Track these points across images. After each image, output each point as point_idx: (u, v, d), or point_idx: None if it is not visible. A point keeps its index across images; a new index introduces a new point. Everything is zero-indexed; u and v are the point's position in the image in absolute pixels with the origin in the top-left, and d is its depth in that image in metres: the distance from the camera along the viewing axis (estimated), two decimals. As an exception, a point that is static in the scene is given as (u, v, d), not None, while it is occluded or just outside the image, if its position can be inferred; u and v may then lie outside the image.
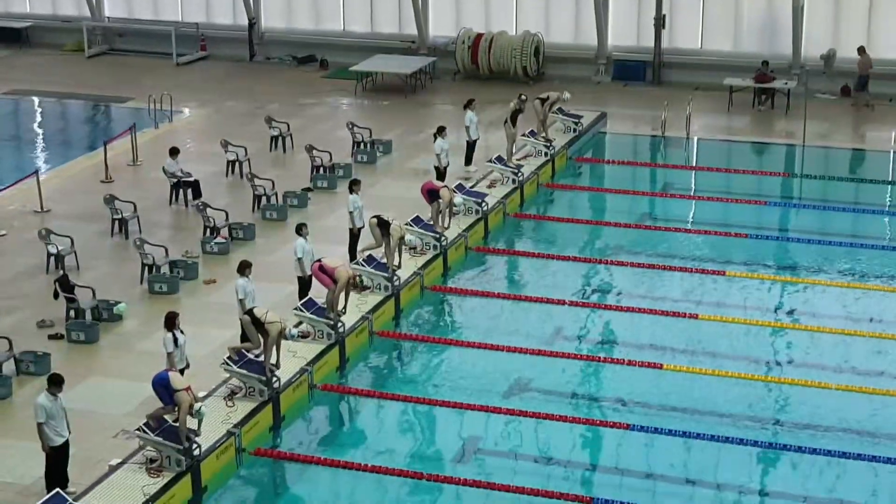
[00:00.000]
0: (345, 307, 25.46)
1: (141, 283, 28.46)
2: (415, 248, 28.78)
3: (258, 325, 22.88)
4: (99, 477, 20.51)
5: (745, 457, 22.09)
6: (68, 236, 29.68)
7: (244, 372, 22.86)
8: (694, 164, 38.51)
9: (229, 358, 23.09)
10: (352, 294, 25.98)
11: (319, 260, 25.56)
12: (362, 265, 27.38)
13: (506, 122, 35.05)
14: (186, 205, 33.17)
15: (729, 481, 21.49)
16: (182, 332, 22.78)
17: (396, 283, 27.36)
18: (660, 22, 44.61)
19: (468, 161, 35.71)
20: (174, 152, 33.64)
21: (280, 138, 38.24)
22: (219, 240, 30.37)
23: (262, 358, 22.99)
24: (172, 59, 48.61)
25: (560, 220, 33.20)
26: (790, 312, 27.97)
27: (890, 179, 37.21)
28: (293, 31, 49.60)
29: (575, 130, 38.51)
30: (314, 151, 35.62)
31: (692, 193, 35.97)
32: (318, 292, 25.86)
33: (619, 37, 46.21)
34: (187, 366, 22.93)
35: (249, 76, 47.31)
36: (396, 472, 21.43)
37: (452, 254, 29.81)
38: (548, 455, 22.38)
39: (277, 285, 27.53)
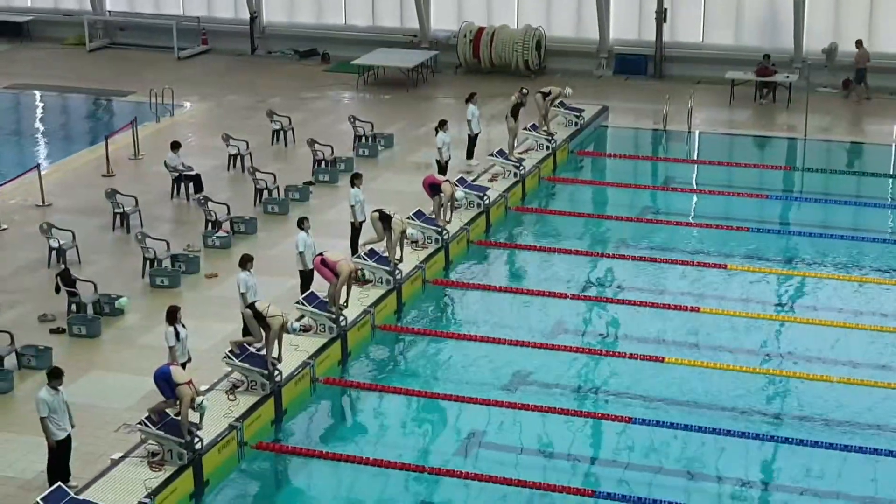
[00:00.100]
0: (346, 301, 25.47)
1: (142, 277, 28.47)
2: (416, 241, 28.78)
3: (260, 318, 22.89)
4: (101, 471, 20.52)
5: (746, 450, 22.11)
6: (70, 230, 29.69)
7: (246, 366, 22.87)
8: (695, 158, 38.54)
9: (231, 352, 23.10)
10: (353, 288, 25.99)
11: (321, 254, 25.57)
12: (364, 259, 27.39)
13: (507, 115, 35.04)
14: (188, 199, 33.17)
15: (730, 474, 21.50)
16: (184, 325, 22.78)
17: (398, 276, 27.36)
18: (661, 15, 44.59)
19: (470, 155, 35.71)
20: (175, 146, 33.63)
21: (282, 132, 38.24)
22: (220, 234, 30.38)
23: (263, 352, 23.00)
24: (174, 53, 48.60)
25: (562, 213, 33.19)
26: (791, 306, 28.00)
27: (891, 173, 37.24)
28: (295, 25, 49.59)
29: (576, 124, 38.50)
30: (316, 145, 35.62)
31: (693, 187, 35.95)
32: (319, 286, 25.86)
33: (620, 30, 46.18)
34: (189, 360, 22.94)
35: (251, 70, 47.30)
36: (398, 465, 21.44)
37: (454, 247, 29.81)
38: (549, 448, 22.39)
39: (279, 279, 27.55)
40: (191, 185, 33.33)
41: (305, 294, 25.75)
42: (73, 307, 26.48)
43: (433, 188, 29.68)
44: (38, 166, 34.19)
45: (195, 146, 37.58)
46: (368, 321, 26.09)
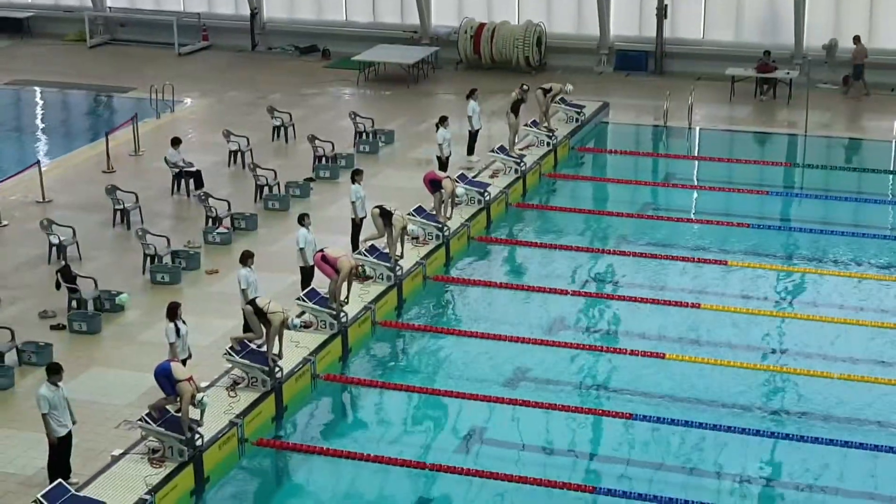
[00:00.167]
0: (347, 297, 25.46)
1: (143, 273, 28.48)
2: (417, 237, 28.77)
3: (260, 315, 22.88)
4: (101, 467, 20.52)
5: (747, 446, 22.11)
6: (70, 226, 29.69)
7: (246, 362, 22.87)
8: (696, 154, 38.53)
9: (231, 348, 23.10)
10: (354, 284, 25.98)
11: (322, 250, 25.56)
12: (364, 255, 27.38)
13: (507, 112, 35.03)
14: (188, 195, 33.17)
15: (731, 470, 21.50)
16: (184, 322, 22.78)
17: (399, 272, 27.36)
18: (662, 12, 44.58)
19: (470, 151, 35.71)
20: (176, 142, 33.62)
21: (282, 128, 38.24)
22: (221, 230, 30.38)
23: (264, 348, 23.00)
24: (174, 49, 48.60)
25: (562, 209, 33.19)
26: (792, 302, 27.97)
27: (891, 169, 37.21)
28: (295, 21, 49.58)
29: (577, 120, 38.49)
30: (316, 141, 35.61)
31: (694, 183, 35.96)
32: (320, 282, 25.87)
33: (621, 27, 46.18)
34: (189, 356, 22.95)
35: (251, 66, 47.29)
36: (399, 461, 21.44)
37: (455, 244, 29.81)
38: (550, 444, 22.39)
39: (280, 275, 27.56)
40: (191, 181, 33.32)
41: (306, 290, 25.75)
42: (74, 303, 26.49)
43: (434, 184, 29.67)
44: (38, 163, 34.19)
45: (196, 142, 37.58)
46: (369, 317, 26.09)
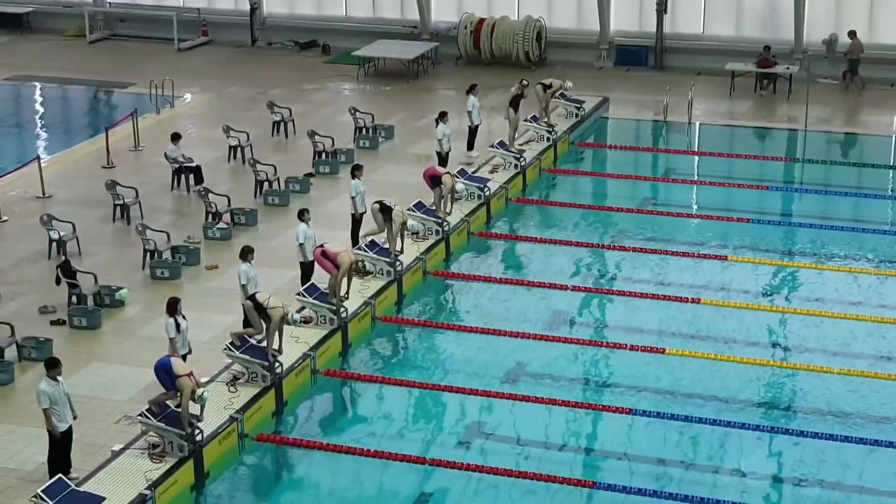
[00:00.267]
0: (347, 292, 25.45)
1: (143, 268, 28.47)
2: (417, 233, 28.78)
3: (260, 310, 22.88)
4: (101, 462, 20.54)
5: (747, 441, 22.12)
6: (70, 222, 29.69)
7: (246, 357, 22.87)
8: (696, 149, 38.53)
9: (231, 343, 23.09)
10: (354, 279, 25.96)
11: (322, 245, 25.55)
12: (364, 250, 27.38)
13: (507, 107, 35.01)
14: (188, 190, 33.16)
15: (731, 465, 21.53)
16: (184, 317, 22.79)
17: (399, 268, 27.36)
18: (662, 7, 44.54)
19: (470, 146, 35.71)
20: (176, 138, 33.61)
21: (282, 124, 38.22)
22: (221, 225, 30.37)
23: (264, 343, 23.00)
24: (174, 45, 48.57)
25: (562, 205, 33.18)
26: (792, 297, 27.99)
27: (891, 164, 37.21)
28: (295, 17, 49.56)
29: (577, 115, 38.48)
30: (316, 137, 35.60)
31: (694, 178, 35.96)
32: (320, 278, 25.87)
33: (621, 22, 46.15)
34: (189, 351, 22.96)
35: (251, 61, 47.26)
36: (399, 457, 21.44)
37: (455, 239, 29.80)
38: (550, 440, 22.39)
39: (279, 271, 27.56)
40: (191, 176, 33.31)
41: (306, 286, 25.75)
42: (74, 299, 26.48)
43: (434, 180, 29.66)
44: (38, 158, 34.17)
45: (195, 138, 37.57)
46: (369, 313, 26.09)
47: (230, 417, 21.70)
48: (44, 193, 32.85)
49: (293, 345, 23.95)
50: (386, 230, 27.53)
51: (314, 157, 35.25)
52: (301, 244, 26.55)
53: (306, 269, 26.69)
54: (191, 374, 20.76)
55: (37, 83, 44.64)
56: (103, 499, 19.22)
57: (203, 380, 22.09)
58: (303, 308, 25.16)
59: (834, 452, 21.74)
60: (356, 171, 29.25)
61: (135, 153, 36.56)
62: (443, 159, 33.53)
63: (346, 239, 28.61)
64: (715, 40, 45.13)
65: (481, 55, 45.89)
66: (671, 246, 30.20)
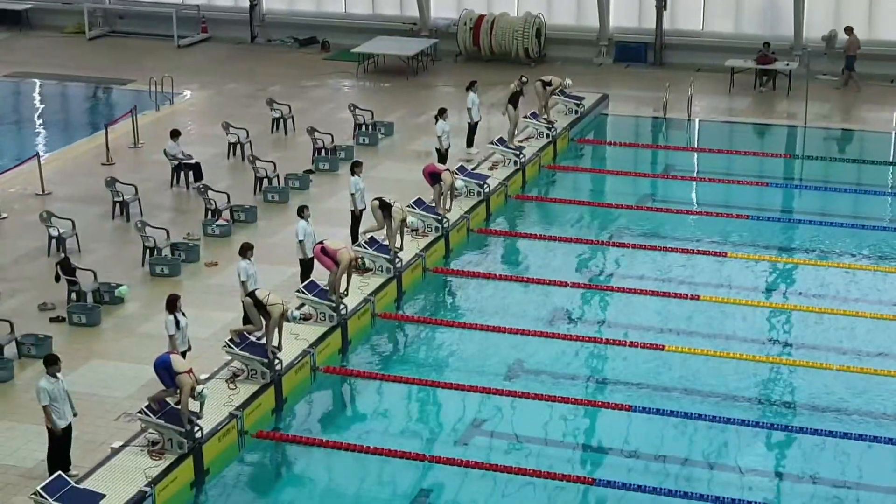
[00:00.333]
0: (346, 289, 25.46)
1: (142, 265, 28.47)
2: (416, 230, 28.77)
3: (260, 307, 22.89)
4: (101, 460, 20.54)
5: (746, 437, 22.14)
6: (69, 219, 29.69)
7: (246, 354, 22.88)
8: (695, 146, 38.53)
9: (231, 340, 23.10)
10: (353, 276, 25.98)
11: (321, 242, 25.56)
12: (364, 247, 27.38)
13: (506, 104, 35.00)
14: (188, 187, 33.16)
15: (730, 462, 21.54)
16: (184, 314, 22.79)
17: (398, 265, 27.36)
18: (661, 3, 44.52)
19: (470, 143, 35.70)
20: (175, 134, 33.60)
21: (281, 120, 38.22)
22: (220, 222, 30.38)
23: (263, 340, 23.00)
24: (173, 41, 48.55)
25: (562, 201, 33.18)
26: (791, 293, 27.98)
27: (891, 160, 37.21)
28: (295, 13, 49.56)
29: (576, 112, 38.47)
30: (316, 133, 35.60)
31: (693, 175, 35.92)
32: (319, 274, 25.86)
33: (620, 18, 46.14)
34: (189, 348, 22.96)
35: (251, 58, 47.26)
36: (398, 453, 21.45)
37: (454, 236, 29.80)
38: (550, 436, 22.40)
39: (279, 267, 27.56)
40: (190, 173, 33.32)
41: (305, 282, 25.75)
42: (73, 296, 26.49)
43: (433, 177, 29.66)
44: (37, 155, 34.18)
45: (195, 134, 37.57)
46: (368, 309, 26.10)
47: (230, 414, 21.70)
48: (43, 190, 32.85)
49: (293, 342, 23.95)
50: (385, 227, 27.53)
51: (314, 154, 35.25)
52: (300, 241, 26.55)
53: (306, 266, 26.69)
54: (190, 371, 20.76)
55: (36, 80, 44.62)
56: (103, 496, 19.23)
57: (203, 376, 22.11)
58: (302, 305, 25.18)
59: (833, 449, 21.75)
60: (356, 167, 29.24)
61: (134, 150, 36.55)
62: (442, 156, 33.53)
63: (345, 236, 28.61)
64: (714, 37, 45.12)
65: (481, 52, 45.88)
66: (670, 242, 30.20)
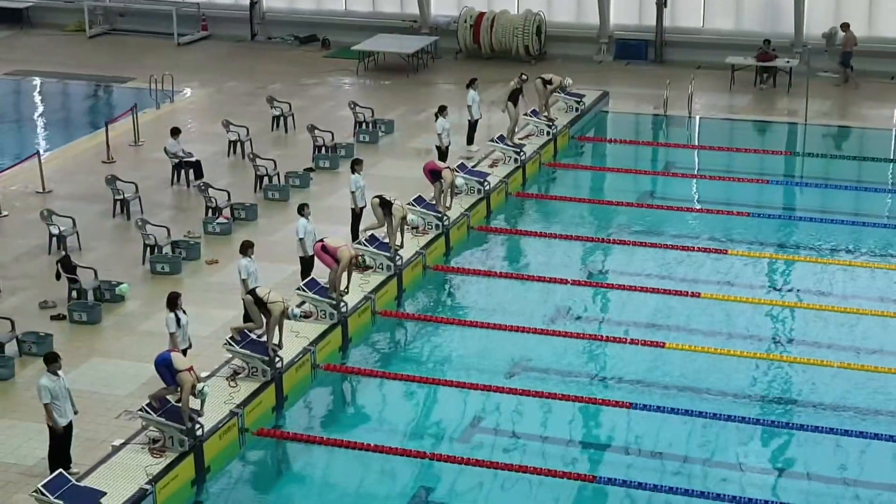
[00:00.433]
0: (347, 287, 25.46)
1: (143, 263, 28.48)
2: (417, 227, 28.75)
3: (261, 305, 22.89)
4: (102, 457, 20.54)
5: (747, 435, 22.14)
6: (70, 217, 29.69)
7: (247, 352, 22.88)
8: (696, 143, 38.51)
9: (232, 338, 23.11)
10: (354, 274, 25.99)
11: (322, 240, 25.57)
12: (364, 245, 27.37)
13: (506, 101, 34.99)
14: (188, 185, 33.17)
15: (732, 459, 21.54)
16: (184, 312, 22.80)
17: (399, 262, 27.36)
18: (662, 1, 44.51)
19: (470, 140, 35.70)
20: (176, 132, 33.60)
21: (282, 118, 38.22)
22: (221, 220, 30.38)
23: (264, 338, 23.01)
24: (174, 39, 48.55)
25: (562, 199, 33.19)
26: (792, 291, 27.99)
27: (892, 157, 37.20)
28: (295, 11, 49.55)
29: (577, 110, 38.46)
30: (316, 131, 35.60)
31: (694, 172, 35.94)
32: (320, 272, 25.87)
33: (620, 16, 46.13)
34: (190, 346, 22.97)
35: (251, 56, 47.26)
36: (399, 451, 21.46)
37: (454, 233, 29.80)
38: (550, 434, 22.40)
39: (280, 265, 27.57)
40: (191, 171, 33.32)
41: (306, 280, 25.75)
42: (74, 294, 26.50)
43: (434, 174, 29.65)
44: (38, 153, 34.19)
45: (195, 132, 37.58)
46: (369, 307, 26.10)
47: (230, 412, 21.71)
48: (44, 188, 32.86)
49: (293, 339, 23.96)
50: (386, 225, 27.53)
51: (314, 152, 35.25)
52: (301, 239, 26.56)
53: (306, 264, 26.70)
54: (191, 368, 20.76)
55: (37, 78, 44.63)
56: (104, 493, 19.22)
57: (203, 374, 22.12)
58: (303, 303, 25.19)
59: (834, 446, 21.75)
60: (356, 165, 29.25)
61: (135, 148, 36.56)
62: (443, 154, 33.54)
63: (346, 233, 28.61)
64: (715, 34, 45.12)
65: (481, 49, 45.88)
66: (670, 240, 30.20)
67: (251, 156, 33.72)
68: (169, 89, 40.79)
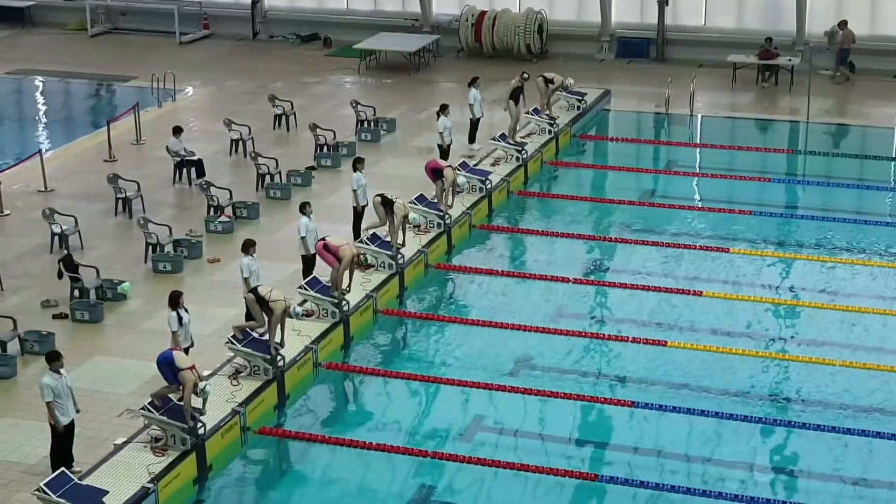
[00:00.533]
0: (349, 285, 25.47)
1: (145, 262, 28.49)
2: (418, 226, 28.76)
3: (262, 303, 22.89)
4: (104, 456, 20.54)
5: (748, 433, 22.13)
6: (72, 216, 29.70)
7: (249, 350, 22.89)
8: (698, 141, 38.49)
9: (234, 336, 23.11)
10: (356, 272, 26.00)
11: (323, 238, 25.57)
12: (366, 243, 27.38)
13: (507, 100, 34.98)
14: (190, 184, 33.17)
15: (733, 458, 21.53)
16: (186, 310, 22.81)
17: (400, 261, 27.37)
18: (663, -1, 44.60)
19: (472, 139, 35.70)
20: (177, 131, 33.60)
21: (283, 117, 38.23)
22: (223, 219, 30.39)
23: (266, 337, 23.01)
24: (175, 38, 48.57)
25: (564, 197, 33.17)
26: (794, 289, 27.97)
27: (893, 155, 37.18)
28: (296, 10, 49.56)
29: (579, 108, 38.45)
30: (318, 130, 35.61)
31: (696, 170, 35.94)
32: (322, 271, 25.88)
33: (622, 14, 46.13)
34: (192, 345, 22.99)
35: (253, 55, 47.27)
36: (401, 450, 21.47)
37: (456, 232, 29.81)
38: (552, 432, 22.40)
39: (281, 264, 27.58)
40: (193, 170, 33.33)
41: (308, 279, 25.76)
42: (76, 292, 26.51)
43: (435, 173, 29.66)
44: (40, 152, 34.20)
45: (197, 131, 37.59)
46: (371, 306, 26.10)
47: (232, 411, 21.72)
48: (46, 187, 32.87)
49: (295, 338, 23.96)
50: (388, 223, 27.52)
51: (316, 151, 35.25)
52: (303, 237, 26.56)
53: (308, 263, 26.71)
54: (193, 367, 20.77)
55: (39, 77, 44.65)
56: (106, 492, 19.23)
57: (205, 373, 22.12)
58: (304, 301, 25.20)
59: (836, 444, 21.75)
60: (358, 164, 29.25)
61: (136, 147, 36.57)
62: (444, 152, 33.54)
63: (347, 232, 28.61)
64: (716, 32, 45.13)
65: (483, 48, 45.88)
66: (673, 238, 30.20)
67: (253, 154, 33.74)
68: (171, 88, 40.82)
